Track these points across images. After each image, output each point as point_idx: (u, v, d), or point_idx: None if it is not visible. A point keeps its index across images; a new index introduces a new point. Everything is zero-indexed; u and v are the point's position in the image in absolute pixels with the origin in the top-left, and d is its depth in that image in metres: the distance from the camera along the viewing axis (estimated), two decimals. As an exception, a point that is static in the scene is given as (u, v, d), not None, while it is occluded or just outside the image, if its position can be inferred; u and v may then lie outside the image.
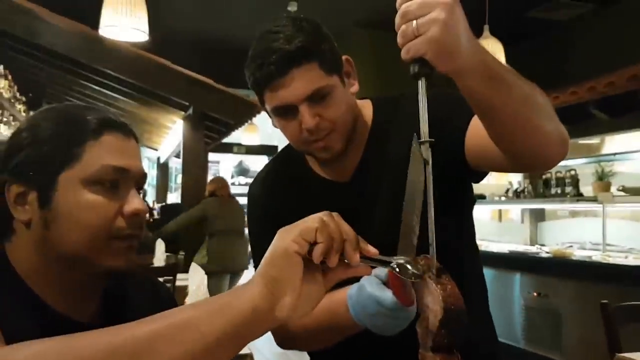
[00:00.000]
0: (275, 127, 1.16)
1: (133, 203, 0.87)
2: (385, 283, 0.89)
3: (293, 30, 1.05)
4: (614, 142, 5.83)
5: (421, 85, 0.81)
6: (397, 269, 0.76)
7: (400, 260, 0.77)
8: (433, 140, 0.80)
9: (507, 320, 4.91)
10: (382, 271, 0.91)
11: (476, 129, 0.99)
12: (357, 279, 0.90)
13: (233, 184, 17.09)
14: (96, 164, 0.85)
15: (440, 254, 0.79)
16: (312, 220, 0.68)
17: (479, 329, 1.22)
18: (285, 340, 1.16)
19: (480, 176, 1.12)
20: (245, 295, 0.64)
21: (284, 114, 1.08)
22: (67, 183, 0.85)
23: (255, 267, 1.24)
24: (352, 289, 0.97)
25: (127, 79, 5.04)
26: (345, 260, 0.70)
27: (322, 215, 0.69)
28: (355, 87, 1.14)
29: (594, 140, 6.07)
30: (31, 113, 0.97)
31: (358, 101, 1.17)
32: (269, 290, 0.64)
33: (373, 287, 0.89)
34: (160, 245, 4.47)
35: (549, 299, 4.67)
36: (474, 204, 1.24)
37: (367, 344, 1.12)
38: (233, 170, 17.40)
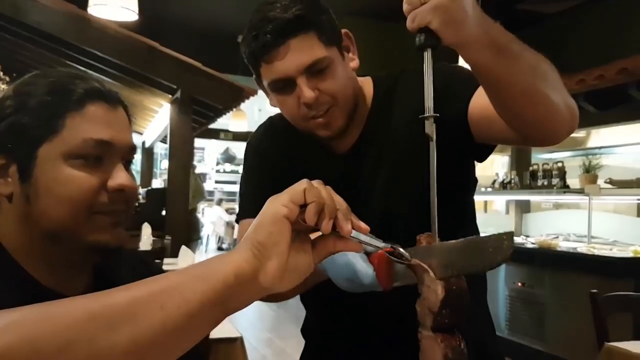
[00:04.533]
0: (273, 105, 1.13)
1: (118, 178, 0.84)
2: (367, 254, 0.81)
3: (290, 0, 1.02)
4: (601, 135, 5.88)
5: (427, 57, 0.78)
6: (393, 252, 0.73)
7: (397, 247, 0.74)
8: (438, 115, 0.77)
9: (491, 310, 4.90)
10: (366, 236, 0.84)
11: (480, 100, 0.97)
12: None
13: (218, 171, 17.07)
14: (77, 138, 0.81)
15: (442, 235, 0.77)
16: (300, 183, 0.65)
17: (479, 318, 1.20)
18: None
19: (484, 153, 1.10)
20: (230, 260, 0.62)
21: (281, 89, 1.04)
22: (47, 157, 0.81)
23: (237, 220, 1.22)
24: None
25: (114, 60, 4.96)
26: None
27: (311, 181, 0.66)
28: (355, 63, 1.11)
29: (581, 133, 6.11)
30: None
31: (358, 78, 1.14)
32: (253, 254, 0.62)
33: (354, 255, 0.83)
34: (146, 229, 4.44)
35: (533, 290, 4.71)
36: (475, 185, 1.21)
37: (364, 326, 1.11)
38: (219, 157, 17.30)
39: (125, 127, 0.89)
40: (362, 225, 0.68)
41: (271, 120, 1.27)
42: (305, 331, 1.30)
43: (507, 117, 0.91)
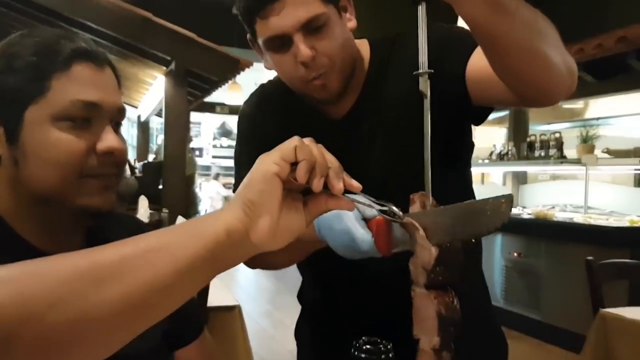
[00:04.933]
0: (268, 68, 1.10)
1: (107, 140, 0.83)
2: (366, 220, 0.81)
3: None
4: (599, 106, 5.85)
5: (421, 11, 0.76)
6: (387, 211, 0.73)
7: (391, 206, 0.73)
8: (432, 71, 0.76)
9: (487, 280, 4.93)
10: (367, 209, 0.81)
11: (478, 60, 0.95)
12: None
13: (215, 145, 16.99)
14: (64, 99, 0.80)
15: (437, 198, 0.76)
16: (291, 141, 0.64)
17: (475, 287, 1.20)
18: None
19: (481, 116, 1.08)
20: (220, 217, 0.61)
21: (277, 47, 1.01)
22: (34, 119, 0.80)
23: (234, 190, 1.22)
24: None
25: (107, 31, 4.89)
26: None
27: (303, 139, 0.65)
28: (352, 23, 1.07)
29: (579, 104, 6.09)
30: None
31: (355, 41, 1.12)
32: (244, 212, 0.61)
33: (353, 221, 0.81)
34: (143, 202, 4.43)
35: (529, 260, 4.74)
36: (472, 150, 1.20)
37: (359, 290, 1.10)
38: (215, 131, 17.22)
39: (114, 88, 0.87)
40: (354, 183, 0.66)
41: (263, 87, 1.24)
42: (301, 296, 1.30)
43: (504, 75, 0.89)
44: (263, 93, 1.23)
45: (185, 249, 0.58)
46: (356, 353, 0.61)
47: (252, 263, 1.12)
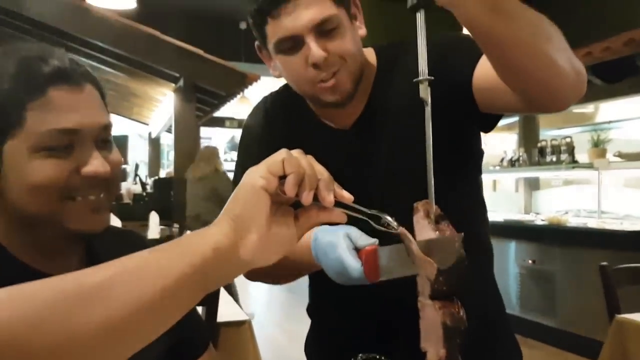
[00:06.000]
0: (277, 76, 1.09)
1: (92, 165, 0.80)
2: (357, 249, 0.84)
3: None
4: (609, 110, 5.80)
5: (419, 18, 0.76)
6: (380, 221, 0.71)
7: (385, 216, 0.72)
8: (432, 78, 0.75)
9: (502, 288, 4.86)
10: (356, 233, 0.85)
11: (485, 67, 0.93)
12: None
13: (226, 160, 17.06)
14: (40, 130, 0.77)
15: (444, 208, 0.75)
16: (279, 153, 0.63)
17: (488, 296, 1.18)
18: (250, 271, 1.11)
19: (490, 123, 1.06)
20: (207, 234, 0.59)
21: (288, 49, 1.00)
22: (13, 153, 0.78)
23: None
24: (317, 231, 0.91)
25: (115, 49, 4.94)
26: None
27: (291, 151, 0.64)
28: (362, 31, 1.07)
29: (589, 109, 6.04)
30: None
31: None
32: (231, 228, 0.59)
33: (345, 251, 0.84)
34: (154, 218, 4.45)
35: (543, 266, 4.68)
36: (482, 158, 1.17)
37: (366, 300, 1.09)
38: (226, 145, 17.30)
39: (94, 107, 0.83)
40: (345, 194, 0.65)
41: (266, 101, 1.23)
42: (309, 310, 1.29)
43: (510, 80, 0.87)
44: (265, 108, 1.21)
45: (172, 267, 0.57)
46: None
47: (251, 276, 1.12)
